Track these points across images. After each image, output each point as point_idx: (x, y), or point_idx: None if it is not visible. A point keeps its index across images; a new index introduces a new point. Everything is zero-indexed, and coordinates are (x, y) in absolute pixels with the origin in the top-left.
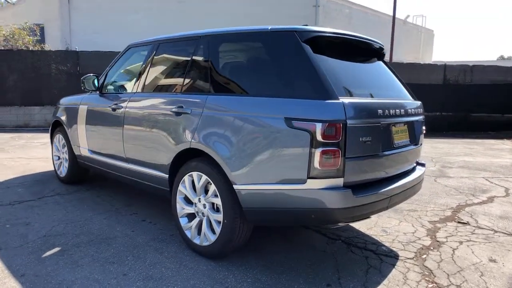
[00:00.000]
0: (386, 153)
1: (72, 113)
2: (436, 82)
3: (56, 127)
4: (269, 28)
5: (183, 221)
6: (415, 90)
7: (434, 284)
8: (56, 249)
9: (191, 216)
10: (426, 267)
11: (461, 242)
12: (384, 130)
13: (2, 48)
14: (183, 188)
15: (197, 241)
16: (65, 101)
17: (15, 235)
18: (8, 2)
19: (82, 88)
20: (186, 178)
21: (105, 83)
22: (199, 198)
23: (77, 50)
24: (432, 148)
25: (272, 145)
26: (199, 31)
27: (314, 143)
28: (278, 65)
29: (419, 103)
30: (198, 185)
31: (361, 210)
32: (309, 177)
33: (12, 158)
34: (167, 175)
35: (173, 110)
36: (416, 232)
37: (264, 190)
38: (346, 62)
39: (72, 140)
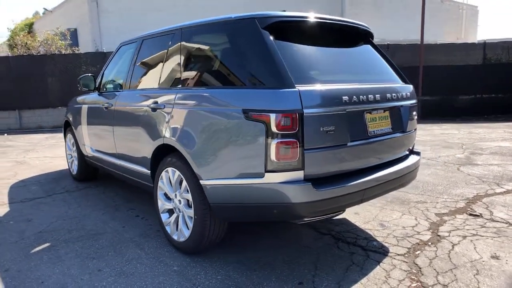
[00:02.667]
0: (358, 142)
1: (77, 112)
2: (475, 62)
3: (67, 127)
4: (233, 16)
5: (164, 217)
6: (448, 72)
7: (419, 283)
8: (46, 245)
9: (170, 212)
10: (416, 264)
11: (464, 237)
12: (354, 118)
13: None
14: (162, 183)
15: (175, 236)
16: (72, 101)
17: (14, 231)
18: (46, 10)
19: (79, 88)
20: (163, 174)
21: (102, 82)
22: (176, 194)
23: (105, 51)
24: (467, 134)
25: (232, 139)
26: (174, 25)
27: (269, 135)
28: (239, 55)
29: (408, 87)
30: (173, 181)
31: (326, 204)
32: (267, 171)
33: (38, 157)
34: (149, 171)
35: (151, 106)
36: (416, 226)
37: (227, 185)
38: (316, 48)
39: (79, 138)
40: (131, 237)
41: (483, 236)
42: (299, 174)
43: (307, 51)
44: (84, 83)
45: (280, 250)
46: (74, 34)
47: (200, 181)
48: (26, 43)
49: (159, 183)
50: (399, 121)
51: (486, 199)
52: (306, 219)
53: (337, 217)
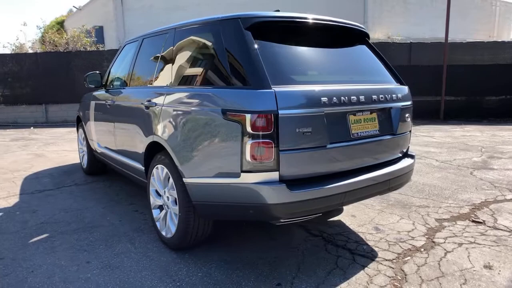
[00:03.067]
0: (339, 144)
1: (86, 108)
2: (504, 62)
3: (79, 122)
4: (219, 16)
5: (155, 213)
6: (474, 72)
7: None
8: (44, 236)
9: (161, 208)
10: (402, 270)
11: (460, 244)
12: (335, 120)
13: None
14: (153, 180)
15: (164, 232)
16: (83, 97)
17: (18, 221)
18: (76, 8)
19: (85, 85)
20: (154, 170)
21: (108, 79)
22: (164, 191)
23: None
24: (490, 137)
25: (212, 138)
26: (170, 25)
27: (245, 135)
28: (222, 55)
29: (402, 88)
30: (162, 178)
31: (302, 206)
32: (242, 171)
33: (56, 151)
34: (143, 167)
35: (144, 103)
36: (412, 231)
37: (206, 183)
38: (301, 48)
39: (88, 134)
40: (125, 231)
41: (480, 244)
42: (274, 175)
43: (291, 52)
44: (90, 80)
45: (267, 249)
46: (100, 31)
47: (183, 179)
48: (54, 40)
49: (151, 180)
50: (388, 123)
51: (494, 206)
52: (282, 220)
53: (331, 219)
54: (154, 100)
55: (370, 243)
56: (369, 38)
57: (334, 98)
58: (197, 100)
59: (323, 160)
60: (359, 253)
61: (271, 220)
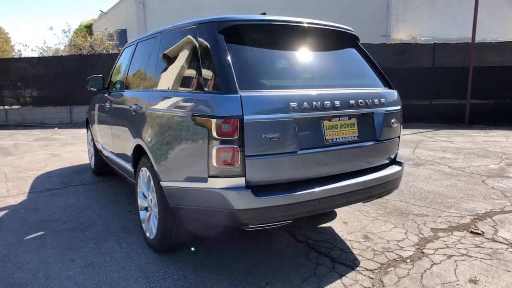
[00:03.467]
0: (311, 151)
1: (92, 110)
2: None
3: (88, 123)
4: (197, 20)
5: (141, 214)
6: (504, 74)
7: None
8: (39, 233)
9: (147, 210)
10: (381, 281)
11: (450, 256)
12: (307, 125)
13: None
14: (140, 182)
15: (148, 234)
16: (92, 100)
17: (20, 219)
18: (102, 12)
19: (87, 88)
20: (140, 173)
21: (111, 82)
22: (149, 193)
23: None
24: None
25: (183, 142)
26: (159, 28)
27: (211, 140)
28: (197, 59)
29: (389, 92)
30: (145, 180)
31: (269, 212)
32: (209, 176)
33: (72, 151)
34: (133, 170)
35: (132, 107)
36: (403, 241)
37: (179, 187)
38: (278, 52)
39: (94, 135)
40: (115, 231)
41: (472, 256)
42: (241, 181)
43: (266, 56)
44: (92, 84)
45: (248, 254)
46: (123, 34)
47: (160, 182)
48: (78, 43)
49: (138, 181)
50: (370, 129)
51: (498, 217)
52: (251, 226)
53: (322, 225)
54: (140, 104)
55: (355, 252)
56: (358, 40)
57: (305, 103)
58: (172, 104)
59: (294, 166)
60: (340, 262)
61: (240, 226)
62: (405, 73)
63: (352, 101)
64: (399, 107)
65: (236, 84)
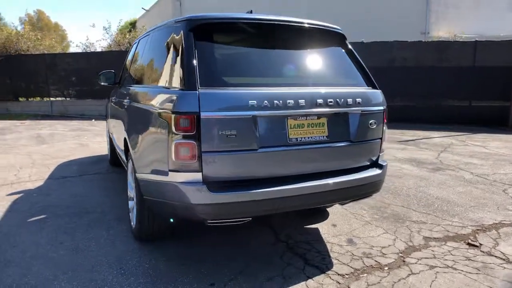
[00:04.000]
0: (273, 149)
1: (107, 104)
2: None
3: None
4: (176, 19)
5: (129, 204)
6: None
7: None
8: (41, 217)
9: (133, 200)
10: (348, 287)
11: (432, 267)
12: (269, 124)
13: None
14: (128, 173)
15: (132, 223)
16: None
17: (30, 202)
18: (144, 9)
19: (99, 82)
20: (128, 164)
21: (122, 76)
22: (133, 184)
23: None
24: None
25: (151, 137)
26: (153, 26)
27: (170, 135)
28: (171, 56)
29: (369, 92)
30: (131, 171)
31: (226, 209)
32: (170, 170)
33: (100, 142)
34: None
35: (124, 101)
36: (387, 247)
37: (147, 179)
38: (250, 49)
39: (108, 127)
40: (109, 219)
41: (457, 270)
42: (198, 176)
43: (235, 53)
44: (103, 78)
45: (224, 249)
46: None
47: (136, 173)
48: (117, 40)
49: (128, 173)
50: (343, 130)
51: (505, 229)
52: (209, 221)
53: (309, 226)
54: (129, 98)
55: (332, 255)
56: (345, 38)
57: (265, 101)
58: (146, 99)
59: (254, 164)
60: (313, 264)
61: (198, 220)
62: (443, 72)
63: (319, 100)
64: (380, 108)
65: (198, 81)
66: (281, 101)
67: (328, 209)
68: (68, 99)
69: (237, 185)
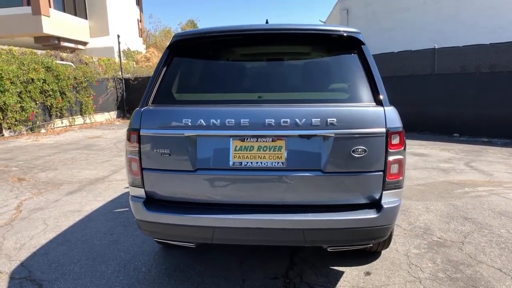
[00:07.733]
0: (212, 173)
1: None
2: None
3: None
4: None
5: None
6: None
7: None
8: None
9: None
10: None
11: None
12: (210, 144)
13: None
14: None
15: None
16: None
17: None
18: (321, 22)
19: None
20: None
21: None
22: None
23: None
24: None
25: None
26: None
27: (127, 150)
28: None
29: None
30: None
31: (159, 228)
32: (129, 183)
33: None
34: None
35: None
36: None
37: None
38: (225, 64)
39: None
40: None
41: None
42: (141, 192)
43: (196, 69)
44: None
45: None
46: None
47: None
48: None
49: None
50: (309, 156)
51: None
52: (154, 238)
53: (336, 267)
54: None
55: None
56: (362, 43)
57: (201, 120)
58: None
59: (191, 186)
60: None
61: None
62: None
63: (269, 120)
64: (376, 131)
65: (151, 98)
66: (218, 120)
67: (384, 250)
68: None
69: (173, 207)
